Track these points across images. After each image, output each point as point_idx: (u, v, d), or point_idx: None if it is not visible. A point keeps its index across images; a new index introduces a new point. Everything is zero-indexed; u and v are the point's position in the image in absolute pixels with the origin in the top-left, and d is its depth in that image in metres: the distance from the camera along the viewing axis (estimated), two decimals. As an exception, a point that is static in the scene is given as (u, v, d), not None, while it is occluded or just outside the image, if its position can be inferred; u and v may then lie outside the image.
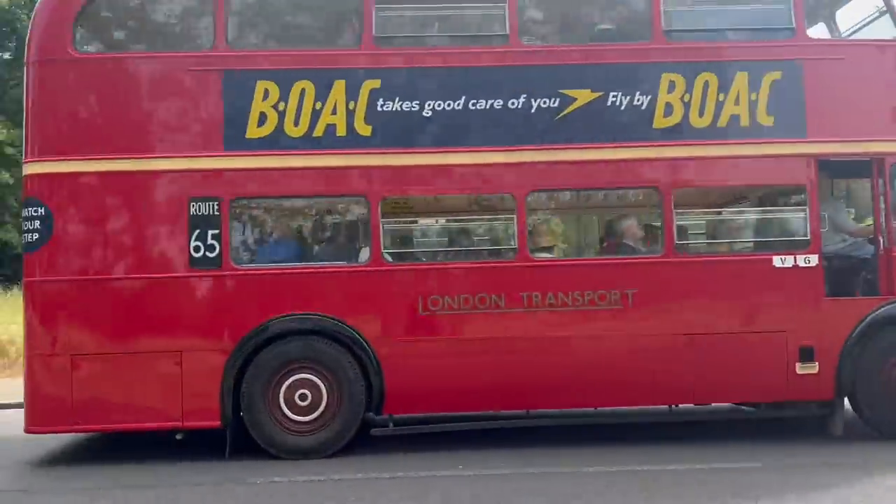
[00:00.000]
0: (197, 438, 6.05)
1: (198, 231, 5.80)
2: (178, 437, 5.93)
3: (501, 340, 5.87)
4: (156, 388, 5.77)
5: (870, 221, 6.40)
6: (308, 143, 5.92)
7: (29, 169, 5.97)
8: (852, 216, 6.77)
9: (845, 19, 6.99)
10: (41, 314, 5.91)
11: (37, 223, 5.81)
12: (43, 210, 5.80)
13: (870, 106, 6.15)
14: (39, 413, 5.87)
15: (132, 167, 5.89)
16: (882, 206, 6.09)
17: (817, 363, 5.93)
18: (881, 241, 6.09)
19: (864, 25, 6.71)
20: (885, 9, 6.41)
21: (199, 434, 5.96)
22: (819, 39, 6.63)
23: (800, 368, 5.94)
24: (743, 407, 6.72)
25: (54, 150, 5.93)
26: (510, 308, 5.88)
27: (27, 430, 6.02)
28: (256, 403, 5.75)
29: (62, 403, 5.76)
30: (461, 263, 6.31)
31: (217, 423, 5.76)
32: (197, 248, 5.80)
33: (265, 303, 5.84)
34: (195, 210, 5.82)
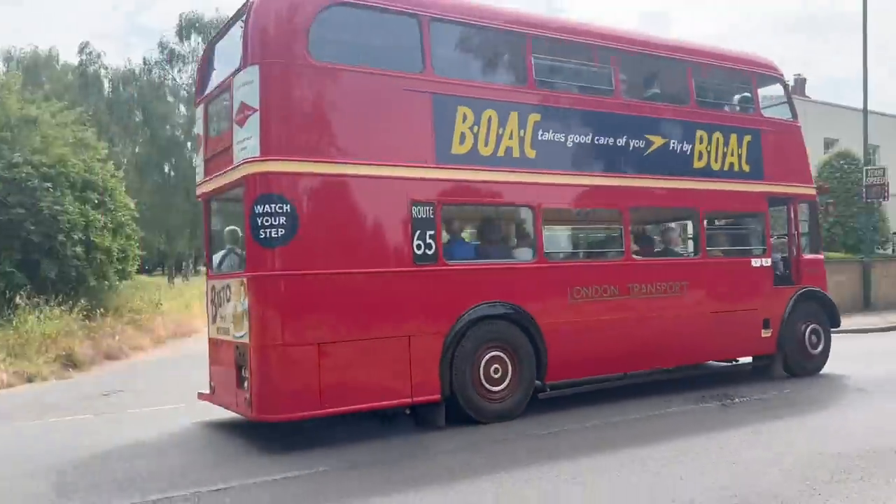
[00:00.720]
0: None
1: (419, 231, 6.76)
2: (407, 412, 6.78)
3: (618, 320, 7.91)
4: (391, 370, 6.57)
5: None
6: (494, 161, 7.29)
7: (266, 167, 6.22)
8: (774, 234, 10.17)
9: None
10: (285, 306, 6.25)
11: (281, 219, 6.14)
12: (287, 207, 6.13)
13: (787, 163, 9.64)
14: (278, 401, 6.20)
15: (366, 172, 6.59)
16: (794, 229, 9.67)
17: (771, 329, 9.19)
18: (793, 250, 9.65)
19: (773, 105, 10.22)
20: (784, 100, 9.98)
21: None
22: (769, 117, 9.86)
23: (763, 333, 9.16)
24: (726, 363, 9.74)
25: (294, 150, 6.31)
26: (622, 296, 7.98)
27: (258, 418, 6.32)
28: (465, 378, 6.88)
29: (308, 390, 6.20)
30: (592, 262, 8.45)
31: (437, 396, 6.79)
32: (419, 246, 6.75)
33: (469, 293, 7.03)
34: (416, 213, 6.76)
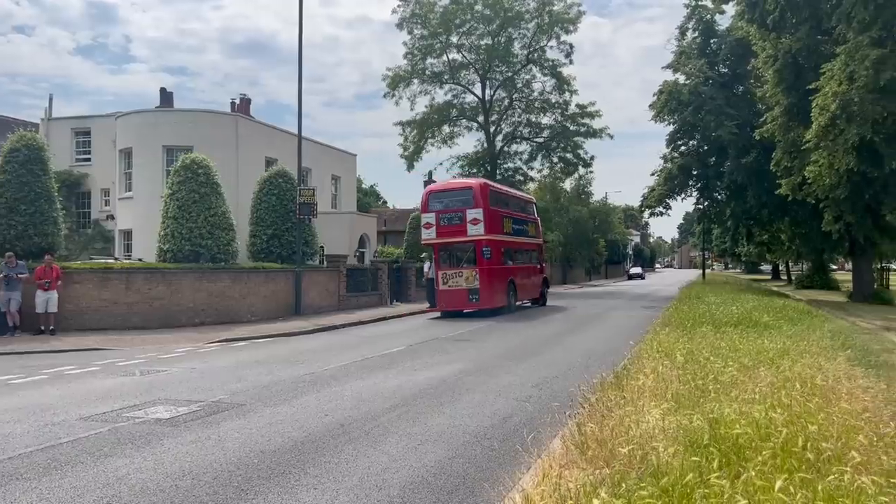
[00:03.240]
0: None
1: (501, 255, 25.07)
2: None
3: (522, 284, 27.60)
4: (506, 293, 25.32)
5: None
6: (511, 234, 25.89)
7: (486, 237, 23.76)
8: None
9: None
10: (489, 275, 23.62)
11: (488, 252, 23.55)
12: (489, 249, 21.22)
13: (539, 234, 29.34)
14: (486, 301, 24.00)
15: (498, 238, 24.68)
16: (542, 257, 30.19)
17: (541, 290, 30.49)
18: (541, 266, 28.52)
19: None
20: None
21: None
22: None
23: (541, 291, 30.07)
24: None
25: (491, 233, 23.88)
26: (516, 274, 21.20)
27: (480, 308, 24.34)
28: (513, 296, 26.60)
29: (491, 298, 24.23)
30: (519, 265, 20.74)
31: (506, 303, 25.62)
32: (504, 259, 24.88)
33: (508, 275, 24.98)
34: (503, 249, 25.06)
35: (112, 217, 35.19)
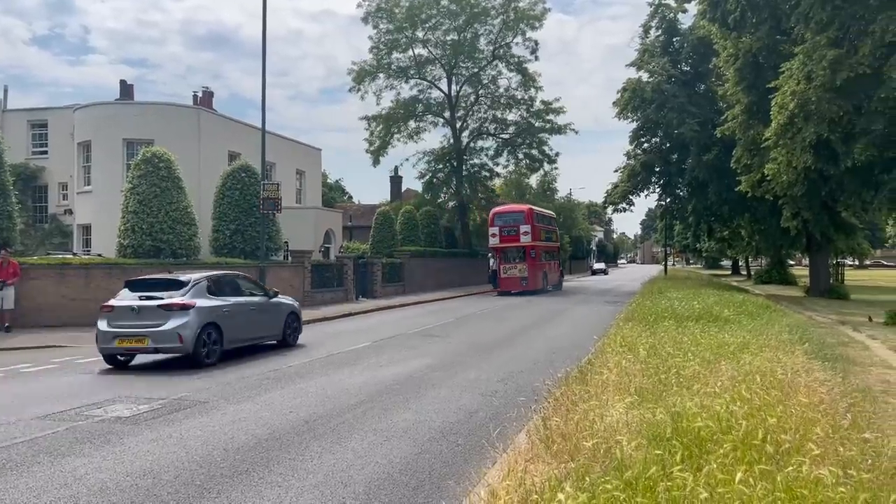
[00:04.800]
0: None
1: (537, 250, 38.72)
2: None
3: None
4: (542, 276, 39.13)
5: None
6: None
7: (532, 244, 37.08)
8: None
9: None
10: (535, 266, 37.27)
11: (534, 253, 37.16)
12: (534, 251, 36.54)
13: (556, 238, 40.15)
14: (533, 284, 37.17)
15: (533, 243, 37.79)
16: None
17: (557, 275, 42.11)
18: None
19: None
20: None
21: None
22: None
23: (558, 276, 42.53)
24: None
25: (535, 240, 37.75)
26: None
27: (529, 289, 37.05)
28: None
29: (535, 281, 37.67)
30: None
31: (541, 285, 39.24)
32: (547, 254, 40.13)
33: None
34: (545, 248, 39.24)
35: (70, 211, 34.40)
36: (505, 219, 38.33)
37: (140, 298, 12.41)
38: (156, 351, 12.29)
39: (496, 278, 38.44)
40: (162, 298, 12.31)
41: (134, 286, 12.92)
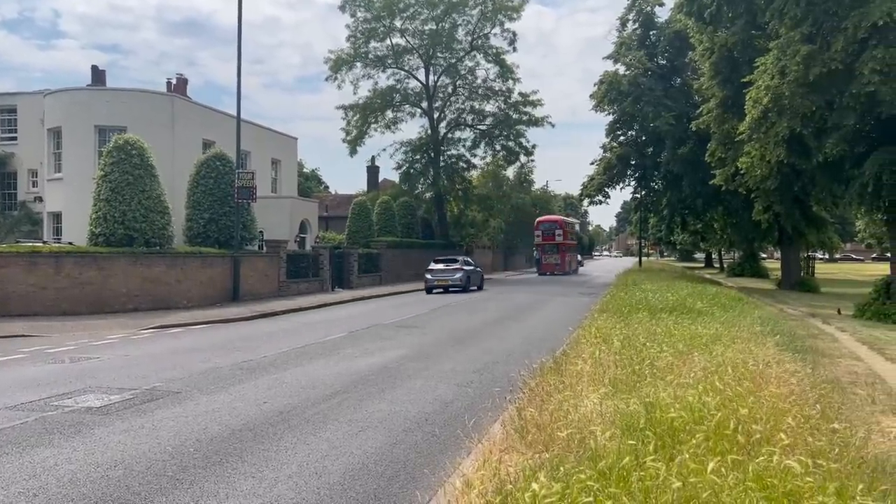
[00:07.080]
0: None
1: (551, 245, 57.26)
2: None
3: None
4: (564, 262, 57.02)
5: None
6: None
7: (562, 242, 56.04)
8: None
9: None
10: (564, 257, 56.52)
11: (563, 249, 55.93)
12: (560, 249, 54.50)
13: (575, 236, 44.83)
14: (563, 268, 56.31)
15: (560, 241, 56.57)
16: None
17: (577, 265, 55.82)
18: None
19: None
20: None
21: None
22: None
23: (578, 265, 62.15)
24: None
25: (564, 239, 57.17)
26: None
27: (563, 272, 55.11)
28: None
29: (562, 267, 55.99)
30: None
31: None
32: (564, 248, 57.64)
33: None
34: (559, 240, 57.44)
35: (40, 199, 33.80)
36: (545, 226, 57.04)
37: (443, 264, 31.92)
38: (451, 286, 31.01)
39: (540, 264, 56.39)
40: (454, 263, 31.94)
41: (437, 261, 32.38)
